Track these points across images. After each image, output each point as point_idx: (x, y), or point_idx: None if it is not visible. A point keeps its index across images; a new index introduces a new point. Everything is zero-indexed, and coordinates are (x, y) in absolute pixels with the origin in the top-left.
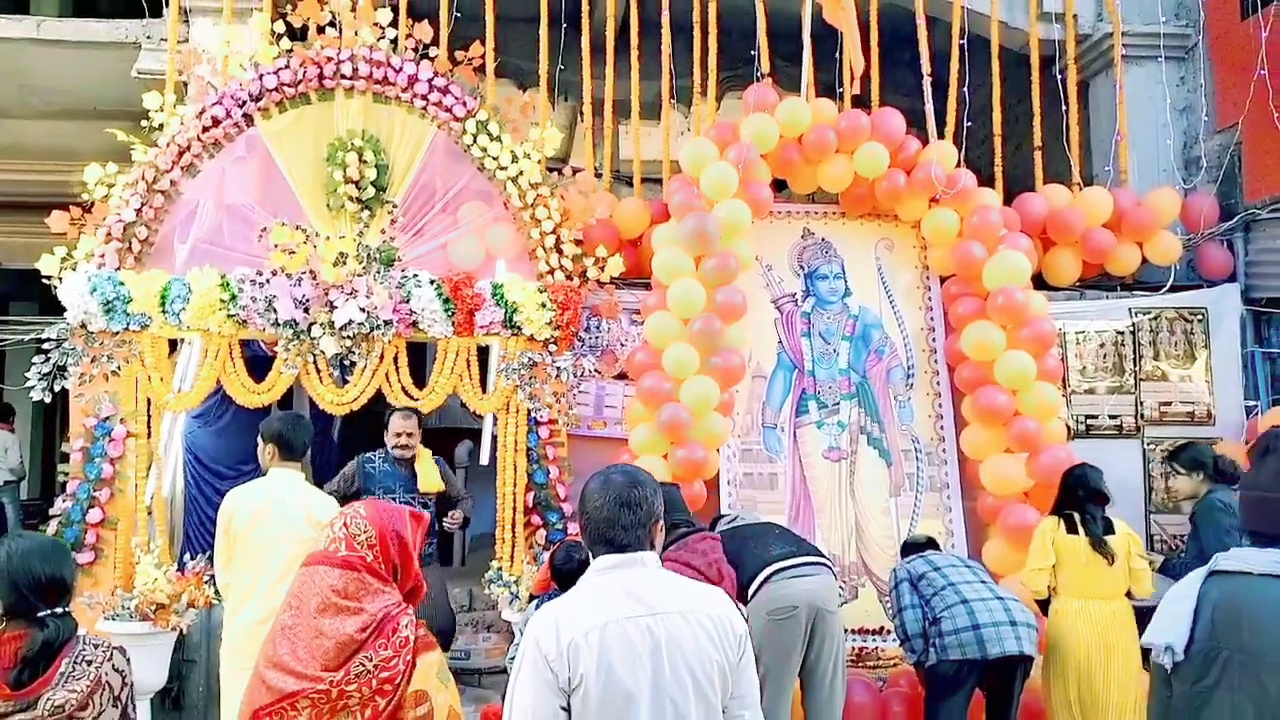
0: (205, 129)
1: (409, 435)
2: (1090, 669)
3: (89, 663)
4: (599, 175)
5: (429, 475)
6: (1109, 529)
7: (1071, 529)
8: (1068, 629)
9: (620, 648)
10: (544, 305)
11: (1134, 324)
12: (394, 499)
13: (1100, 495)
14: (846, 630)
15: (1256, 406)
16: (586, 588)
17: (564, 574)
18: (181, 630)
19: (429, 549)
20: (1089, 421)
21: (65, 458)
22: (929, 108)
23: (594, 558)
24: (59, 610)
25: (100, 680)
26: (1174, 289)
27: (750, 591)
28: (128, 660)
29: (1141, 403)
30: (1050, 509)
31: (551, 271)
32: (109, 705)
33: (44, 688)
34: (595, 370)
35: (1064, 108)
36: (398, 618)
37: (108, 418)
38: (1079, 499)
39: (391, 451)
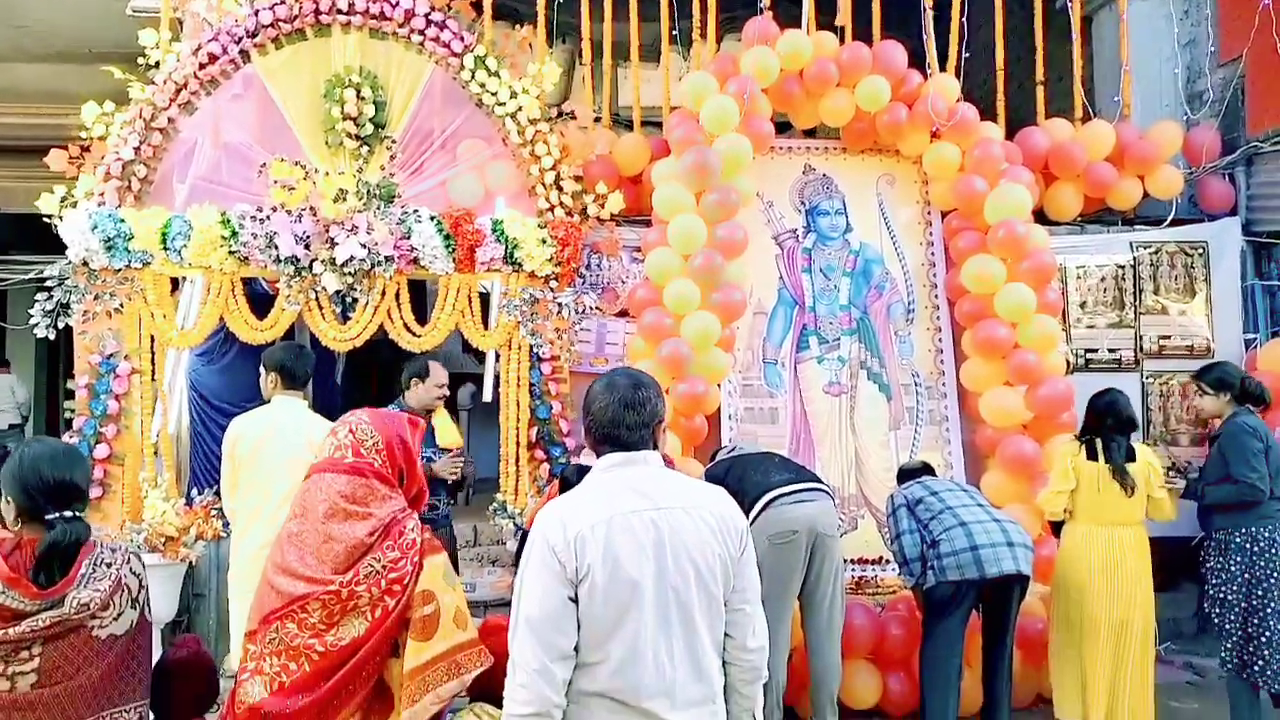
0: (201, 66)
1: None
2: (1098, 593)
3: (107, 565)
4: (597, 119)
5: (447, 429)
6: (1131, 456)
7: (1092, 455)
8: (1080, 553)
9: (625, 540)
10: (544, 241)
11: (1134, 258)
12: (420, 454)
13: (1130, 423)
14: (846, 560)
15: (1256, 340)
16: (592, 484)
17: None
18: (191, 562)
19: (446, 509)
20: (1088, 356)
21: (71, 395)
22: (930, 40)
23: (598, 457)
24: (68, 514)
25: (120, 581)
26: (1175, 223)
27: (751, 517)
28: (143, 565)
29: (1141, 337)
30: (1077, 432)
31: (551, 208)
32: (128, 606)
33: (68, 587)
34: (596, 307)
35: (1068, 43)
36: (404, 521)
37: (112, 355)
38: (1106, 426)
39: (429, 402)
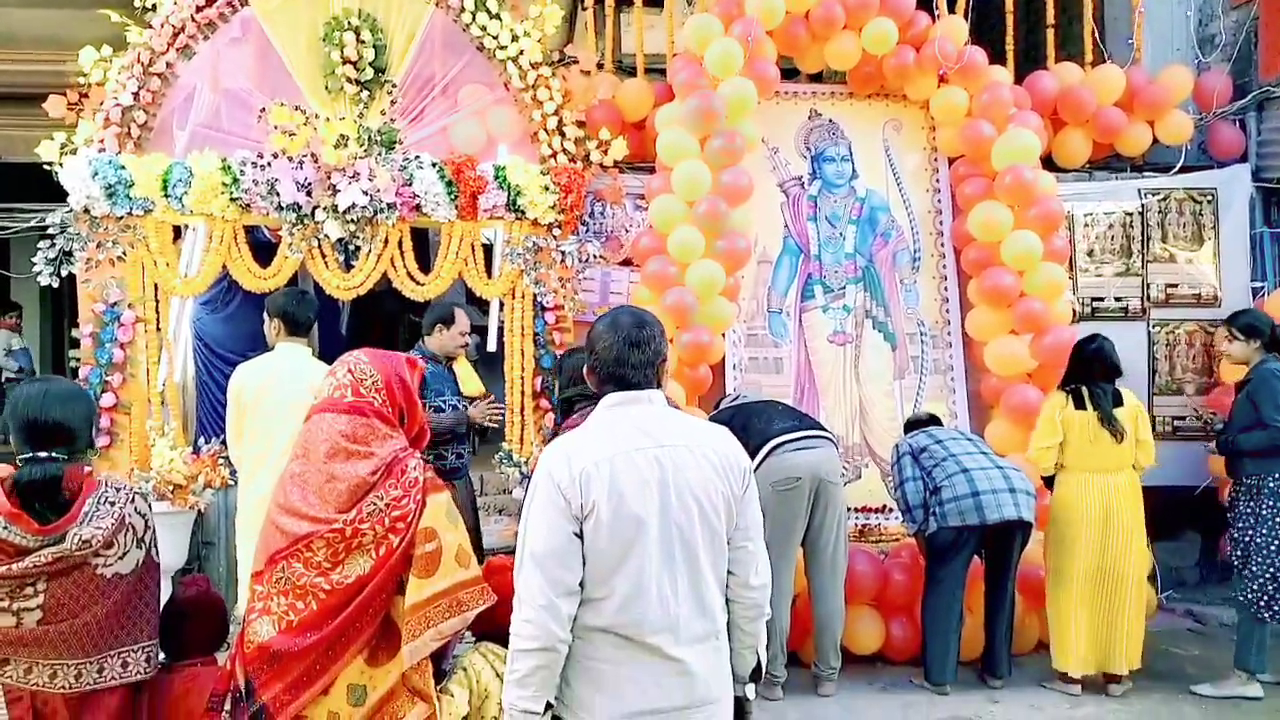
0: (199, 9)
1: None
2: (1092, 541)
3: (110, 503)
4: (600, 65)
5: (470, 377)
6: (1118, 401)
7: (1079, 404)
8: (1073, 502)
9: (630, 476)
10: (547, 188)
11: (1143, 205)
12: (444, 403)
13: (1116, 369)
14: (850, 509)
15: (1263, 288)
16: (595, 422)
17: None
18: (200, 510)
19: (463, 460)
20: (1095, 304)
21: (76, 344)
22: None
23: (600, 395)
24: (42, 454)
25: (124, 520)
26: (1184, 170)
27: (754, 464)
28: (149, 505)
29: (1148, 285)
30: (1060, 381)
31: (554, 155)
32: (133, 546)
33: (70, 524)
34: (600, 256)
35: None
36: (405, 460)
37: (116, 303)
38: (1094, 373)
39: (451, 349)
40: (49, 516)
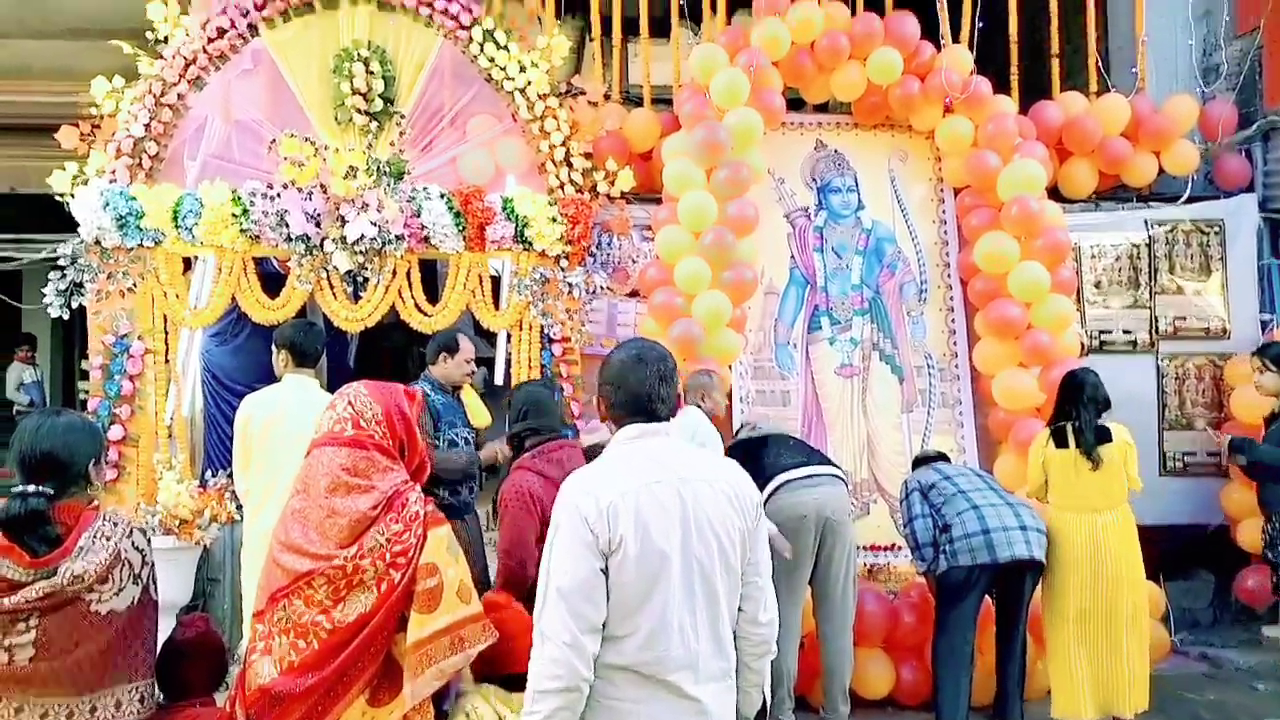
0: (210, 40)
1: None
2: (1083, 580)
3: (106, 538)
4: (607, 96)
5: (478, 408)
6: (1105, 437)
7: (1061, 442)
8: (1062, 541)
9: (654, 510)
10: (554, 219)
11: (1150, 236)
12: (457, 435)
13: (1103, 402)
14: (859, 547)
15: (1272, 320)
16: (614, 456)
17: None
18: (205, 546)
19: (471, 496)
20: (1103, 336)
21: (85, 375)
22: (943, 11)
23: (618, 428)
24: (30, 489)
25: (119, 555)
26: (1191, 200)
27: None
28: (148, 540)
29: (1156, 317)
30: (1049, 418)
31: (561, 186)
32: (129, 581)
33: (63, 559)
34: (607, 287)
35: (1082, 14)
36: (406, 493)
37: (125, 335)
38: (1081, 405)
39: (456, 378)
40: (42, 550)
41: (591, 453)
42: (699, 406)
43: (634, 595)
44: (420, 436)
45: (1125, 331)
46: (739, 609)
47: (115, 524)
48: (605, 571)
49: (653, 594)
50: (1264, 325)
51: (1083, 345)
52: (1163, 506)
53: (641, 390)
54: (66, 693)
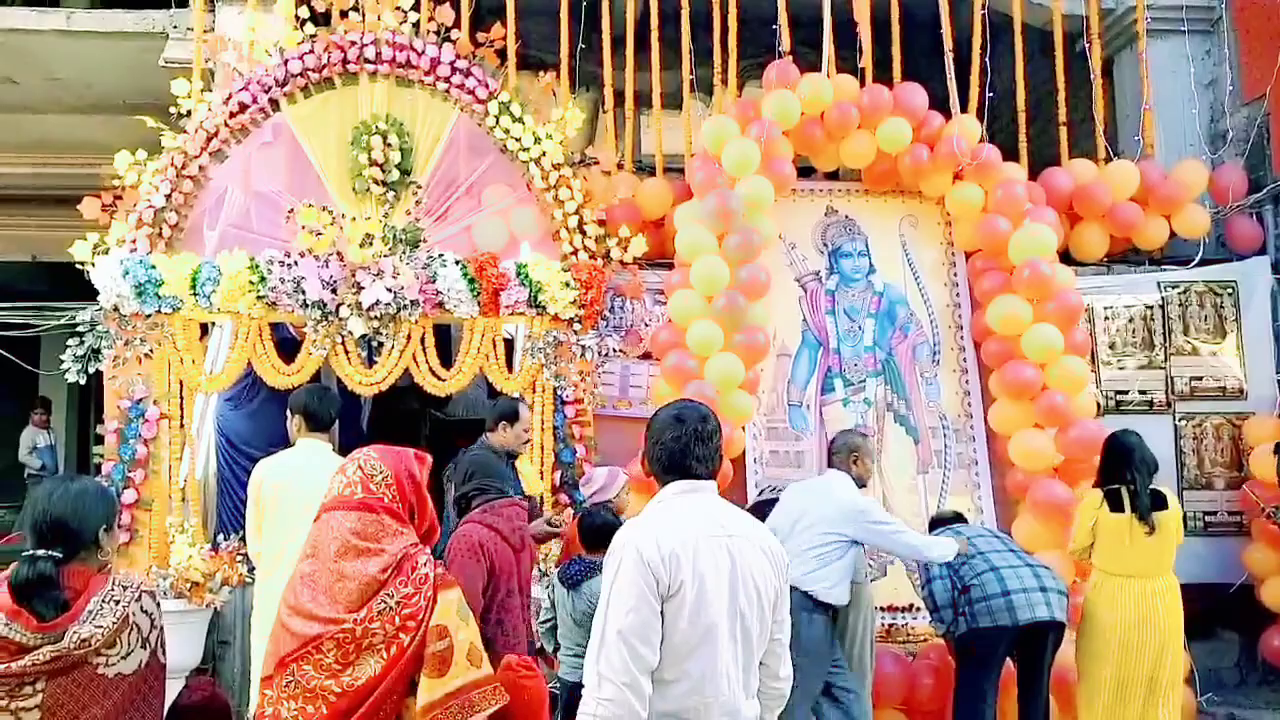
0: (232, 114)
1: None
2: (1127, 647)
3: (116, 602)
4: (620, 166)
5: (532, 477)
6: (1160, 503)
7: (1116, 506)
8: (1106, 606)
9: (709, 561)
10: (568, 284)
11: (1163, 298)
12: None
13: (1154, 464)
14: (876, 608)
15: None
16: (666, 509)
17: (592, 531)
18: (216, 609)
19: None
20: (1119, 397)
21: (100, 440)
22: (952, 82)
23: (662, 485)
24: (40, 552)
25: (128, 619)
26: (1203, 263)
27: None
28: (157, 605)
29: (1172, 378)
30: (1097, 480)
31: (575, 252)
32: (138, 646)
33: (71, 622)
34: (620, 350)
35: (1089, 84)
36: (416, 556)
37: (141, 399)
38: (1133, 469)
39: (514, 446)
40: (50, 615)
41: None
42: (847, 471)
43: (687, 642)
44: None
45: (1141, 392)
46: (762, 664)
47: (125, 588)
48: (661, 615)
49: (704, 642)
50: None
51: (1099, 405)
52: (1184, 567)
53: (677, 447)
54: None
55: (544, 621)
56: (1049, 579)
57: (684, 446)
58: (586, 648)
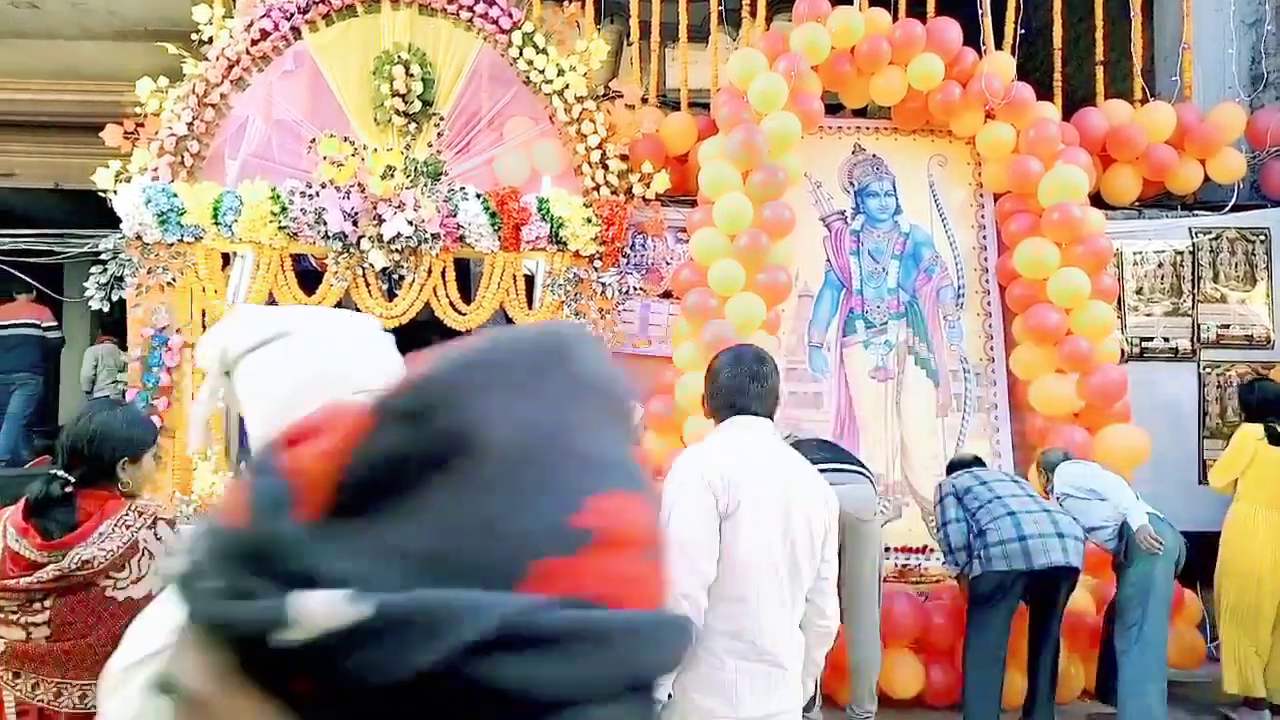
0: (254, 42)
1: None
2: (1265, 574)
3: (127, 527)
4: (645, 101)
5: None
6: None
7: (1275, 440)
8: (1251, 534)
9: (766, 490)
10: (589, 220)
11: (1194, 244)
12: None
13: None
14: (890, 549)
15: None
16: (728, 439)
17: None
18: None
19: None
20: (1144, 344)
21: (124, 368)
22: (985, 17)
23: (721, 420)
24: (63, 474)
25: (137, 545)
26: (1236, 209)
27: None
28: (177, 534)
29: (1199, 325)
30: (1248, 419)
31: (597, 188)
32: (150, 572)
33: (78, 543)
34: (640, 288)
35: (1127, 22)
36: None
37: (164, 328)
38: (1271, 411)
39: None
40: (56, 534)
41: None
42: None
43: (743, 565)
44: None
45: (1166, 339)
46: (809, 600)
47: (139, 514)
48: (720, 534)
49: (762, 566)
50: None
51: (1123, 352)
52: (1200, 515)
53: (733, 385)
54: (80, 675)
55: None
56: (1066, 525)
57: (740, 385)
58: None
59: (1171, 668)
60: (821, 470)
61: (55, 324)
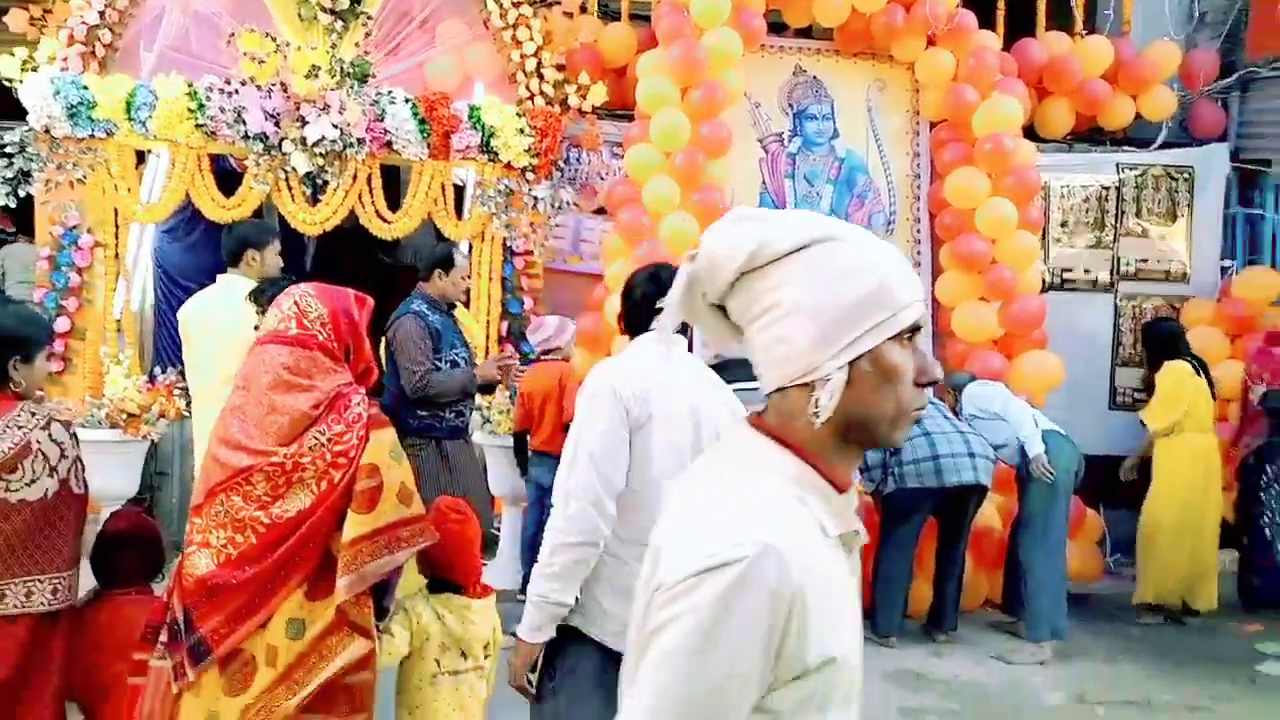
0: None
1: None
2: (1205, 495)
3: (19, 428)
4: (584, 9)
5: (471, 323)
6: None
7: (1196, 373)
8: (1190, 460)
9: (676, 404)
10: (523, 131)
11: (1120, 180)
12: (456, 355)
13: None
14: None
15: (1232, 266)
16: (641, 353)
17: None
18: (153, 441)
19: (463, 419)
20: (1064, 274)
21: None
22: None
23: (630, 336)
24: None
25: (30, 445)
26: (1164, 146)
27: None
28: (72, 435)
29: (1119, 259)
30: (1159, 356)
31: (531, 97)
32: (44, 474)
33: None
34: (573, 202)
35: None
36: (349, 395)
37: (74, 226)
38: (1185, 345)
39: (453, 295)
40: None
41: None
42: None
43: (650, 474)
44: (368, 343)
45: (1086, 271)
46: None
47: (32, 414)
48: (630, 445)
49: (667, 476)
50: (1224, 271)
51: (1044, 282)
52: (1110, 439)
53: (650, 304)
54: None
55: None
56: (978, 445)
57: (655, 302)
58: None
59: (1073, 579)
60: (738, 390)
61: None
